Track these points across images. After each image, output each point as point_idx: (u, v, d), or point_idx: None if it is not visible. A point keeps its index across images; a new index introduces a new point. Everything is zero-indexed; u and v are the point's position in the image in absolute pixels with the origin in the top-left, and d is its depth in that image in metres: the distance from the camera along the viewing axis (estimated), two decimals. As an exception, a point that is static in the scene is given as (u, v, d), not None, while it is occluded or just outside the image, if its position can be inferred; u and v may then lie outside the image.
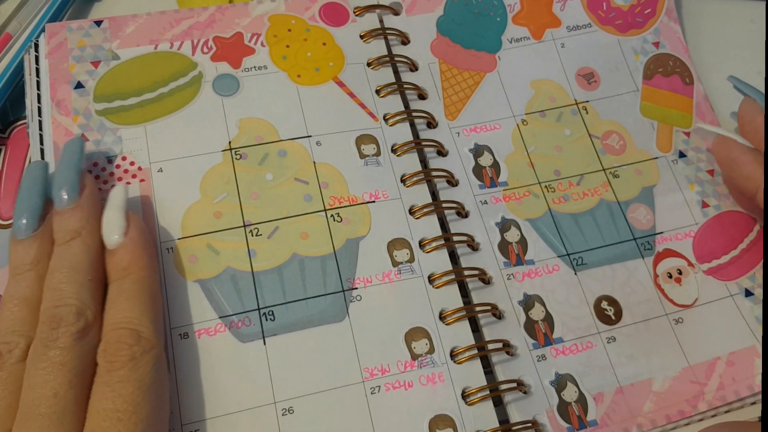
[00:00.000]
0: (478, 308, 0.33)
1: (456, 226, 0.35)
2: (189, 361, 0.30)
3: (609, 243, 0.36)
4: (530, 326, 0.34)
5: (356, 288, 0.33)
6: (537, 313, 0.34)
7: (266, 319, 0.32)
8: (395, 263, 0.34)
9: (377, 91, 0.37)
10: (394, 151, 0.36)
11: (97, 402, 0.25)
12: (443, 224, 0.35)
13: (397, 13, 0.40)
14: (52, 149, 0.33)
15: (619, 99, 0.40)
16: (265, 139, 0.35)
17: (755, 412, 0.34)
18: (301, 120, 0.36)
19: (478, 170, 0.37)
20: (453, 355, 0.32)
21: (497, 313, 0.34)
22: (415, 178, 0.35)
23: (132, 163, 0.34)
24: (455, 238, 0.34)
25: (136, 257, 0.29)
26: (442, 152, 0.37)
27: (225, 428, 0.30)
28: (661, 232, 0.37)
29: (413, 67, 0.39)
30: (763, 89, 0.42)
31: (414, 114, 0.37)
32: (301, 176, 0.35)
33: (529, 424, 0.31)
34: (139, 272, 0.29)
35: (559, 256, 0.36)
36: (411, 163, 0.36)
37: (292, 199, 0.34)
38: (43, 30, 0.36)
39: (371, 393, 0.31)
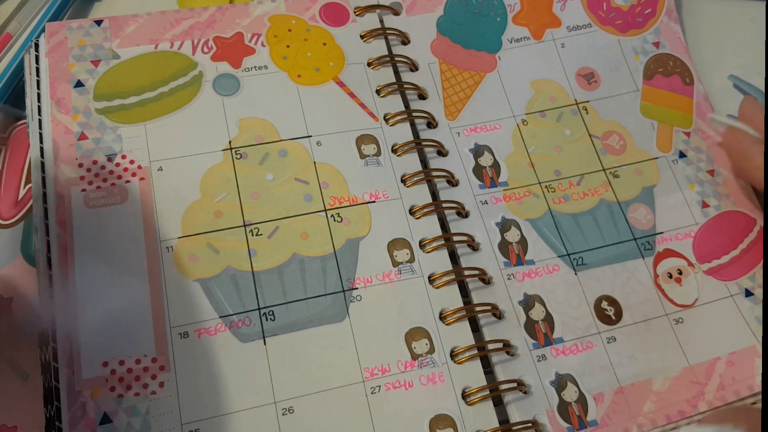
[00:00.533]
0: (478, 308, 0.33)
1: (456, 226, 0.35)
2: (189, 360, 0.30)
3: (609, 243, 0.36)
4: (530, 326, 0.34)
5: (356, 288, 0.33)
6: (537, 313, 0.34)
7: (266, 319, 0.32)
8: (395, 263, 0.34)
9: (377, 91, 0.37)
10: (394, 151, 0.36)
11: None
12: (443, 224, 0.35)
13: (397, 13, 0.40)
14: (52, 148, 0.33)
15: (619, 99, 0.40)
16: (265, 138, 0.35)
17: (755, 412, 0.34)
18: (302, 120, 0.36)
19: (478, 170, 0.37)
20: (453, 355, 0.32)
21: (497, 313, 0.34)
22: (415, 178, 0.35)
23: (132, 162, 0.34)
24: (455, 238, 0.34)
25: None
26: (442, 152, 0.37)
27: (225, 428, 0.30)
28: (662, 232, 0.37)
29: (413, 67, 0.39)
30: (763, 89, 0.42)
31: (414, 114, 0.37)
32: (301, 176, 0.35)
33: (529, 424, 0.31)
34: None
35: (559, 256, 0.35)
36: (411, 163, 0.36)
37: (292, 199, 0.34)
38: (43, 30, 0.36)
39: (371, 393, 0.31)
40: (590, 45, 0.41)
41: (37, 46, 0.36)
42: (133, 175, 0.33)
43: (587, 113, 0.39)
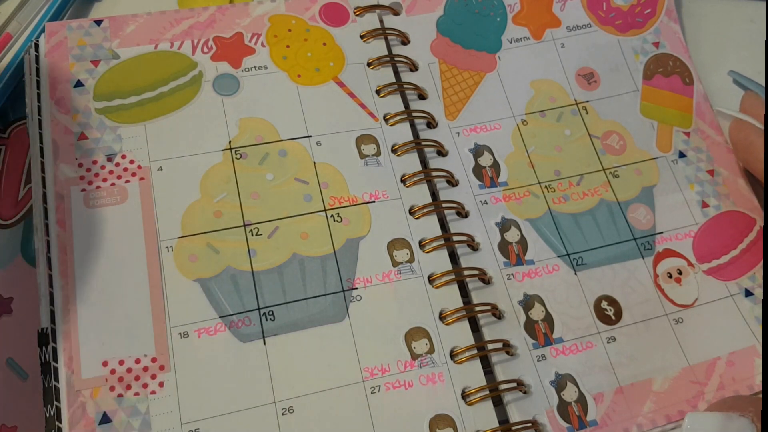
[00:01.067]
0: (478, 308, 0.33)
1: (456, 226, 0.35)
2: (189, 360, 0.30)
3: (609, 243, 0.36)
4: (530, 326, 0.34)
5: (356, 288, 0.33)
6: (537, 313, 0.34)
7: (266, 319, 0.32)
8: (395, 263, 0.34)
9: (377, 91, 0.37)
10: (394, 151, 0.36)
11: None
12: (443, 224, 0.35)
13: (397, 14, 0.40)
14: (52, 148, 0.33)
15: (619, 99, 0.40)
16: (265, 138, 0.35)
17: (755, 412, 0.34)
18: (302, 120, 0.36)
19: (478, 170, 0.37)
20: (453, 355, 0.32)
21: (497, 313, 0.34)
22: (415, 178, 0.35)
23: (132, 162, 0.34)
24: (455, 238, 0.34)
25: None
26: (442, 152, 0.37)
27: (225, 428, 0.30)
28: (661, 232, 0.37)
29: (413, 67, 0.39)
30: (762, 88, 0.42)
31: (414, 114, 0.37)
32: (301, 176, 0.35)
33: (529, 424, 0.31)
34: None
35: (559, 256, 0.35)
36: (411, 163, 0.36)
37: (292, 199, 0.34)
38: (43, 30, 0.36)
39: (371, 393, 0.31)
40: (590, 45, 0.41)
41: (37, 46, 0.36)
42: (133, 175, 0.33)
43: (587, 113, 0.39)
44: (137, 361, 0.30)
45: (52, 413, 0.29)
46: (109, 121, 0.34)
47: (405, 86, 0.38)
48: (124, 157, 0.34)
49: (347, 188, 0.35)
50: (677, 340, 0.35)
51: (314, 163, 0.35)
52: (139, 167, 0.34)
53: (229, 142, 0.35)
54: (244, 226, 0.33)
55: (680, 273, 0.36)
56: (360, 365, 0.31)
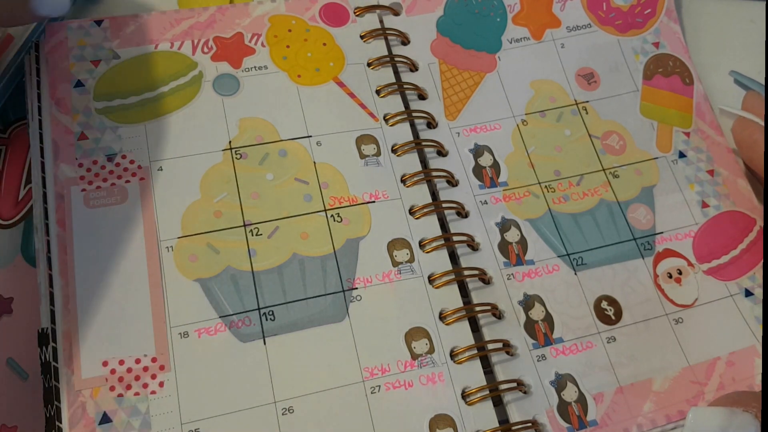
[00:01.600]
0: (478, 308, 0.33)
1: (456, 226, 0.35)
2: (189, 360, 0.30)
3: (609, 243, 0.36)
4: (530, 326, 0.34)
5: (356, 288, 0.33)
6: (537, 313, 0.34)
7: (266, 319, 0.32)
8: (395, 263, 0.34)
9: (377, 92, 0.37)
10: (394, 151, 0.36)
11: None
12: (443, 224, 0.35)
13: (397, 14, 0.40)
14: (52, 148, 0.33)
15: (619, 99, 0.40)
16: (265, 138, 0.35)
17: (755, 412, 0.34)
18: (302, 120, 0.36)
19: (478, 170, 0.37)
20: (453, 355, 0.32)
21: (497, 313, 0.34)
22: (415, 178, 0.35)
23: (132, 162, 0.34)
24: (455, 238, 0.34)
25: None
26: (442, 152, 0.37)
27: (225, 428, 0.30)
28: (661, 232, 0.37)
29: (413, 68, 0.39)
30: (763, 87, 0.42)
31: (414, 114, 0.37)
32: (301, 176, 0.35)
33: (529, 424, 0.31)
34: None
35: (559, 256, 0.36)
36: (411, 163, 0.36)
37: (292, 199, 0.34)
38: (43, 30, 0.36)
39: (371, 393, 0.31)
40: (590, 45, 0.41)
41: (37, 46, 0.36)
42: (133, 175, 0.33)
43: (587, 113, 0.39)
44: (137, 361, 0.30)
45: (52, 413, 0.29)
46: (110, 121, 0.34)
47: (405, 86, 0.38)
48: (124, 157, 0.34)
49: (347, 188, 0.35)
50: (677, 340, 0.35)
51: (314, 163, 0.35)
52: (140, 167, 0.34)
53: (229, 142, 0.35)
54: (244, 226, 0.33)
55: (680, 273, 0.36)
56: (360, 365, 0.31)
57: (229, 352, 0.31)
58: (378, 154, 0.36)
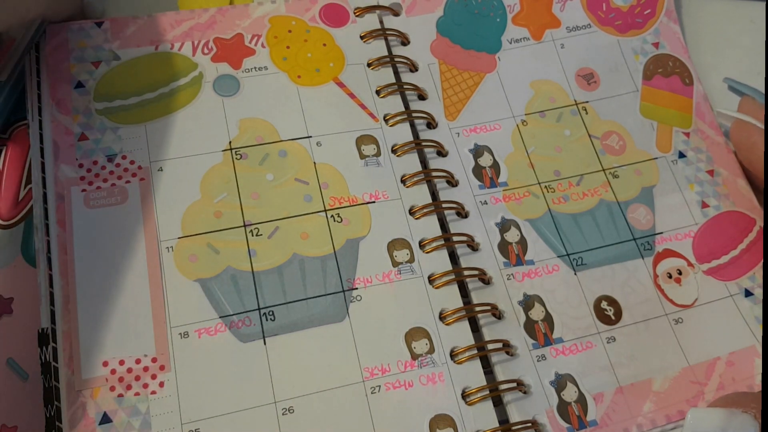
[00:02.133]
0: (478, 308, 0.33)
1: (456, 226, 0.35)
2: (189, 360, 0.30)
3: (609, 243, 0.36)
4: (530, 326, 0.34)
5: (356, 288, 0.33)
6: (537, 313, 0.34)
7: (266, 319, 0.32)
8: (395, 263, 0.34)
9: (377, 92, 0.37)
10: (394, 151, 0.36)
11: None
12: (443, 224, 0.35)
13: (397, 14, 0.40)
14: (52, 148, 0.33)
15: (618, 99, 0.40)
16: (265, 139, 0.35)
17: (755, 412, 0.34)
18: (302, 120, 0.36)
19: (478, 170, 0.37)
20: (453, 355, 0.32)
21: (497, 313, 0.34)
22: (415, 179, 0.35)
23: (132, 162, 0.34)
24: (455, 239, 0.34)
25: None
26: (442, 152, 0.37)
27: (225, 428, 0.30)
28: (661, 233, 0.37)
29: (413, 68, 0.39)
30: (762, 89, 0.42)
31: (414, 114, 0.37)
32: (301, 176, 0.35)
33: (529, 424, 0.31)
34: None
35: (558, 256, 0.36)
36: (411, 163, 0.36)
37: (292, 199, 0.34)
38: (44, 31, 0.36)
39: (371, 393, 0.31)
40: (590, 45, 0.41)
41: (37, 47, 0.36)
42: (133, 175, 0.33)
43: (587, 113, 0.39)
44: (137, 361, 0.30)
45: (52, 413, 0.29)
46: (110, 122, 0.34)
47: (405, 87, 0.38)
48: (124, 157, 0.34)
49: (347, 188, 0.35)
50: (677, 340, 0.35)
51: (314, 163, 0.35)
52: (140, 168, 0.34)
53: (230, 142, 0.35)
54: (245, 226, 0.33)
55: (680, 273, 0.36)
56: (360, 365, 0.31)
57: (229, 352, 0.31)
58: (378, 154, 0.36)
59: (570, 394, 0.32)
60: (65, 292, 0.31)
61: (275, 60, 0.37)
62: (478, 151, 0.37)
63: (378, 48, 0.39)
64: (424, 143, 0.36)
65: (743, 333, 0.35)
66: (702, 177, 0.39)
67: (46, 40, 0.35)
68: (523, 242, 0.36)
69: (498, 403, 0.32)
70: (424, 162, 0.37)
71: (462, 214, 0.36)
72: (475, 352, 0.32)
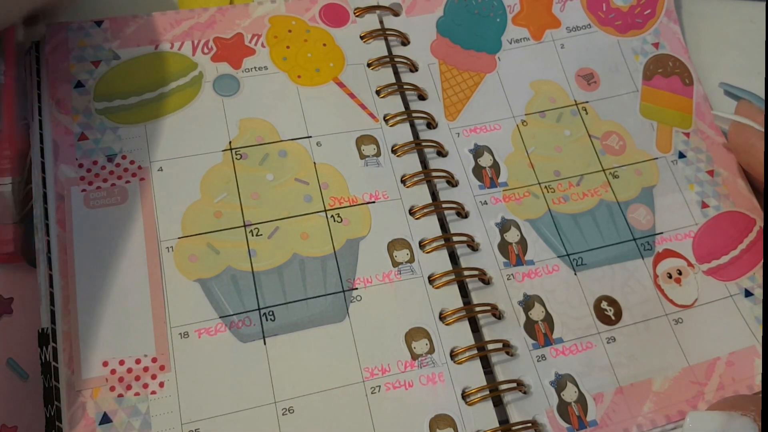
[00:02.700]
0: (478, 308, 0.33)
1: (456, 226, 0.35)
2: (189, 360, 0.30)
3: (609, 243, 0.36)
4: (530, 326, 0.34)
5: (356, 288, 0.33)
6: (537, 313, 0.34)
7: (266, 319, 0.32)
8: (395, 263, 0.34)
9: (377, 92, 0.37)
10: (394, 151, 0.36)
11: None
12: (443, 224, 0.35)
13: (397, 14, 0.40)
14: (52, 148, 0.33)
15: (618, 100, 0.40)
16: (265, 139, 0.35)
17: (755, 412, 0.34)
18: (302, 120, 0.36)
19: (478, 171, 0.37)
20: (453, 355, 0.32)
21: (497, 314, 0.34)
22: (415, 179, 0.35)
23: (132, 162, 0.34)
24: (455, 239, 0.34)
25: None
26: (442, 153, 0.37)
27: (225, 428, 0.30)
28: (661, 233, 0.37)
29: (413, 68, 0.39)
30: (762, 89, 0.42)
31: (414, 114, 0.37)
32: (301, 176, 0.35)
33: (529, 424, 0.31)
34: None
35: (559, 257, 0.36)
36: (411, 163, 0.36)
37: (292, 199, 0.34)
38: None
39: (371, 393, 0.31)
40: (590, 46, 0.41)
41: (37, 46, 0.36)
42: (133, 175, 0.33)
43: (587, 114, 0.39)
44: (137, 361, 0.30)
45: (52, 413, 0.29)
46: (110, 122, 0.34)
47: (405, 87, 0.38)
48: (124, 157, 0.34)
49: (347, 188, 0.35)
50: (677, 340, 0.35)
51: (314, 163, 0.35)
52: (140, 167, 0.34)
53: (230, 142, 0.35)
54: (245, 226, 0.33)
55: (680, 273, 0.36)
56: (360, 365, 0.31)
57: (229, 352, 0.31)
58: (378, 154, 0.36)
59: (570, 394, 0.32)
60: (65, 292, 0.31)
61: (275, 60, 0.37)
62: (478, 151, 0.37)
63: (378, 48, 0.39)
64: (424, 143, 0.36)
65: (743, 333, 0.35)
66: (702, 177, 0.39)
67: (45, 40, 0.35)
68: (523, 242, 0.36)
69: (498, 403, 0.32)
70: (424, 162, 0.37)
71: (462, 214, 0.36)
72: (475, 352, 0.32)
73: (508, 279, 0.34)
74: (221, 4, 0.41)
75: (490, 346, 0.33)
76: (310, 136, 0.36)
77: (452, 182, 0.36)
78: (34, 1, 0.33)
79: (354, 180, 0.35)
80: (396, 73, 0.38)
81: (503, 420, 0.32)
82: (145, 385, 0.30)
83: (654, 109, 0.40)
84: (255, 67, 0.37)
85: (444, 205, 0.35)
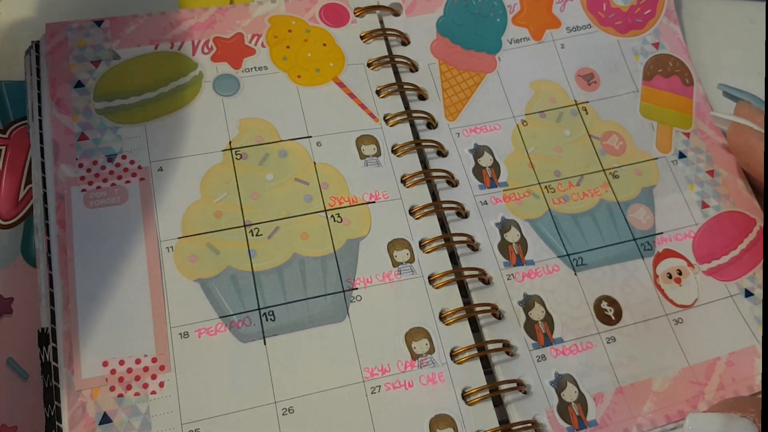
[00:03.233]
0: (478, 308, 0.33)
1: (456, 226, 0.35)
2: (189, 360, 0.30)
3: (609, 243, 0.36)
4: (530, 326, 0.34)
5: (356, 288, 0.33)
6: (537, 313, 0.34)
7: (266, 319, 0.32)
8: (395, 263, 0.34)
9: (377, 92, 0.37)
10: (394, 151, 0.36)
11: None
12: (443, 224, 0.35)
13: (397, 14, 0.40)
14: (52, 148, 0.33)
15: (618, 100, 0.40)
16: (265, 139, 0.35)
17: (755, 412, 0.34)
18: (302, 120, 0.36)
19: (478, 171, 0.37)
20: (453, 355, 0.32)
21: (497, 314, 0.34)
22: (415, 179, 0.35)
23: (132, 162, 0.34)
24: (455, 239, 0.34)
25: None
26: (442, 153, 0.37)
27: (225, 428, 0.30)
28: (661, 233, 0.37)
29: (413, 68, 0.39)
30: (762, 89, 0.42)
31: (414, 114, 0.37)
32: (301, 176, 0.35)
33: (529, 424, 0.31)
34: None
35: (559, 257, 0.36)
36: (411, 163, 0.36)
37: (292, 199, 0.34)
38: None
39: (371, 393, 0.31)
40: (590, 46, 0.41)
41: (37, 46, 0.36)
42: (133, 175, 0.33)
43: (587, 114, 0.39)
44: (137, 361, 0.30)
45: (52, 413, 0.29)
46: (110, 122, 0.34)
47: (405, 87, 0.38)
48: (124, 157, 0.34)
49: (347, 188, 0.35)
50: (677, 340, 0.35)
51: (314, 163, 0.35)
52: (140, 167, 0.34)
53: (230, 142, 0.35)
54: (245, 226, 0.33)
55: (680, 273, 0.36)
56: (360, 365, 0.31)
57: (229, 352, 0.31)
58: (378, 154, 0.36)
59: (570, 394, 0.32)
60: (65, 292, 0.31)
61: (275, 60, 0.37)
62: (478, 151, 0.37)
63: (378, 48, 0.39)
64: (424, 143, 0.36)
65: (743, 333, 0.35)
66: (702, 177, 0.39)
67: (45, 39, 0.35)
68: (523, 242, 0.36)
69: (498, 403, 0.32)
70: (424, 162, 0.37)
71: (462, 214, 0.36)
72: (475, 352, 0.32)
73: (508, 279, 0.34)
74: (221, 4, 0.41)
75: (490, 346, 0.33)
76: (310, 136, 0.36)
77: (452, 182, 0.36)
78: None
79: (354, 180, 0.35)
80: (396, 73, 0.38)
81: (503, 420, 0.32)
82: (145, 385, 0.30)
83: (654, 109, 0.40)
84: (255, 67, 0.37)
85: (444, 205, 0.35)
